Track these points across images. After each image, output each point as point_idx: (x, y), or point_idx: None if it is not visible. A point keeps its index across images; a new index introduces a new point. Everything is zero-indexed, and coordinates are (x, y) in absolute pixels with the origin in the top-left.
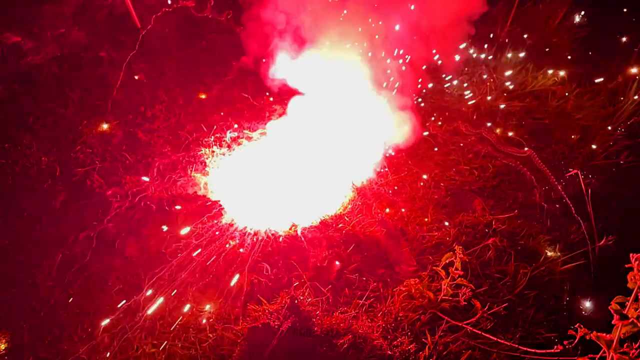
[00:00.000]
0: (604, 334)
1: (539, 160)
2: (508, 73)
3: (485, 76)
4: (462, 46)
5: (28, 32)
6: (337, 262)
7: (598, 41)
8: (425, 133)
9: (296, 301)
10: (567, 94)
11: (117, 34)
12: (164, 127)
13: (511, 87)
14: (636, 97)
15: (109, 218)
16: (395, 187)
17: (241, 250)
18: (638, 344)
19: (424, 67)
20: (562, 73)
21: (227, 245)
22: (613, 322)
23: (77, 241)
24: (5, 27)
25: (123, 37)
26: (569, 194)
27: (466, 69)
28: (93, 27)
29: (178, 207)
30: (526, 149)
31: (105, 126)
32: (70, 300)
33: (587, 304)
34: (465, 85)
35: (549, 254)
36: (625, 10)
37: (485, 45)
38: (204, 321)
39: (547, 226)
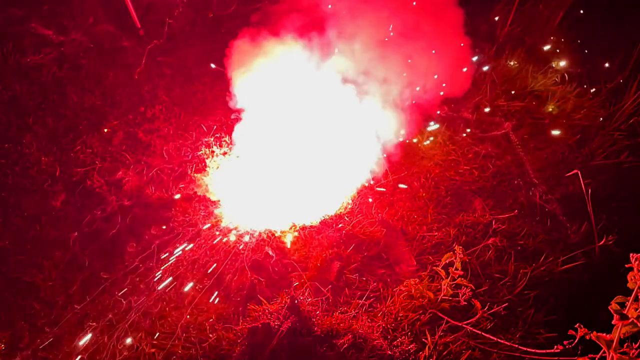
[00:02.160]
0: (604, 334)
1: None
2: (508, 73)
3: (484, 76)
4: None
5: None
6: (337, 262)
7: (598, 41)
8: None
9: (296, 301)
10: (565, 98)
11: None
12: (164, 127)
13: (511, 87)
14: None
15: (108, 218)
16: (400, 184)
17: (241, 250)
18: (638, 344)
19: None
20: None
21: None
22: (613, 322)
23: (77, 241)
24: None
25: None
26: (569, 193)
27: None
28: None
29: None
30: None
31: (105, 127)
32: (70, 299)
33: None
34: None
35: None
36: (625, 10)
37: (486, 45)
38: (200, 325)
39: (547, 226)
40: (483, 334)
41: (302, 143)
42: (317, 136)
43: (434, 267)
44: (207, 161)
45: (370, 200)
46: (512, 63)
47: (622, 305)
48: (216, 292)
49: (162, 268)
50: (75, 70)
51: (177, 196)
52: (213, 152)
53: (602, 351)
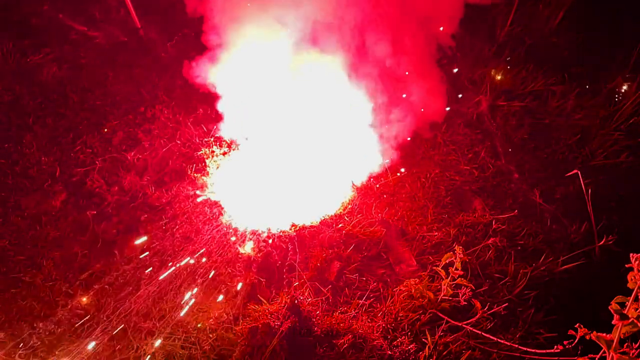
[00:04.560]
0: (604, 334)
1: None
2: (508, 73)
3: (484, 76)
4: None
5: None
6: (337, 262)
7: (598, 41)
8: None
9: (296, 301)
10: (565, 98)
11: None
12: (164, 127)
13: (511, 87)
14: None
15: (108, 218)
16: (403, 180)
17: (241, 249)
18: (638, 344)
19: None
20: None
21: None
22: (613, 322)
23: (77, 241)
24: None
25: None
26: (569, 193)
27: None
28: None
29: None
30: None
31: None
32: (70, 299)
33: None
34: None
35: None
36: (625, 10)
37: (485, 45)
38: (200, 325)
39: (547, 226)
40: (483, 334)
41: (302, 143)
42: (317, 136)
43: (434, 267)
44: (207, 161)
45: (370, 200)
46: (511, 63)
47: (622, 305)
48: (216, 292)
49: (162, 268)
50: (75, 70)
51: (177, 196)
52: (213, 152)
53: (602, 351)
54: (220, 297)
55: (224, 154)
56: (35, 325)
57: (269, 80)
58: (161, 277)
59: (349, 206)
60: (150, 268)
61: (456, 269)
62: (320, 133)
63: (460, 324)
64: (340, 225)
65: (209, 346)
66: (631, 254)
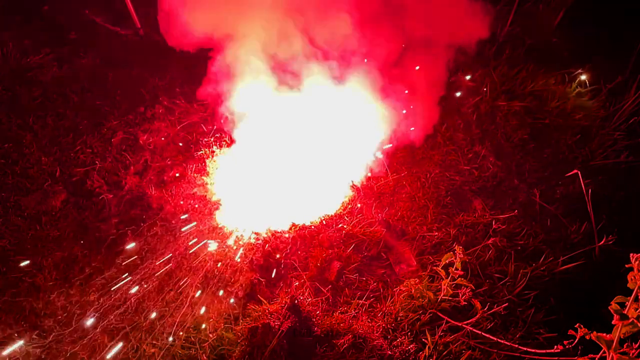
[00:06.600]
0: (604, 334)
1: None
2: (508, 73)
3: (484, 76)
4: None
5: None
6: (337, 262)
7: (598, 41)
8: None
9: (296, 301)
10: (565, 98)
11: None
12: (164, 127)
13: (511, 87)
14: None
15: (107, 218)
16: (404, 180)
17: (241, 249)
18: (638, 344)
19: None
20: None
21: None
22: (613, 322)
23: (77, 241)
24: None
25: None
26: (569, 193)
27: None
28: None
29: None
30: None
31: (105, 127)
32: (70, 299)
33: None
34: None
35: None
36: (625, 10)
37: (485, 45)
38: (203, 326)
39: (547, 226)
40: (483, 334)
41: (302, 143)
42: (316, 136)
43: (434, 267)
44: (207, 161)
45: (370, 200)
46: (511, 63)
47: (622, 305)
48: (216, 292)
49: (162, 268)
50: (75, 70)
51: (177, 196)
52: (213, 152)
53: (602, 351)
54: (220, 297)
55: (224, 154)
56: (35, 326)
57: (268, 81)
58: (161, 277)
59: (349, 206)
60: (151, 267)
61: (456, 269)
62: (321, 133)
63: (460, 324)
64: (340, 225)
65: (209, 346)
66: (631, 254)
